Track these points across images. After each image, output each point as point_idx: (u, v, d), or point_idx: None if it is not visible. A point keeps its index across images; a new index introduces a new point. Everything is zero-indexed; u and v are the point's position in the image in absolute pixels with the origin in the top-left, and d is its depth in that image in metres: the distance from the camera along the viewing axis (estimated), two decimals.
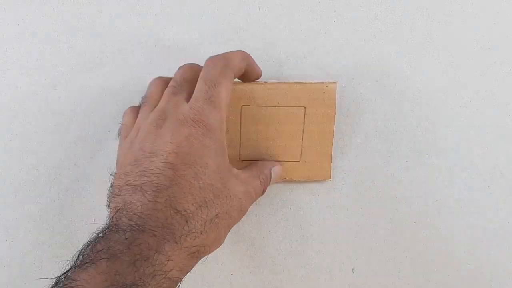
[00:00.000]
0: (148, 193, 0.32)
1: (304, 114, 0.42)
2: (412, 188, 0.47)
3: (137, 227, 0.31)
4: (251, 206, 0.48)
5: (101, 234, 0.32)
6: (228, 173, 0.35)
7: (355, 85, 0.48)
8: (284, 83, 0.42)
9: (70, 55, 0.49)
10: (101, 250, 0.30)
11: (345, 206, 0.47)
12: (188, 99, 0.37)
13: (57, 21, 0.49)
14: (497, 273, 0.47)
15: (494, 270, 0.47)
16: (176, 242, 0.31)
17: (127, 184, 0.34)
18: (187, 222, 0.32)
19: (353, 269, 0.49)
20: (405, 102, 0.48)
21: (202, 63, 0.49)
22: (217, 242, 0.35)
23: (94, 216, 0.47)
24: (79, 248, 0.32)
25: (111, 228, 0.32)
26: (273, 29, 0.49)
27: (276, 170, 0.42)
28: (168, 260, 0.31)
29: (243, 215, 0.38)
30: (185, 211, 0.33)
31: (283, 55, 0.48)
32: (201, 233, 0.33)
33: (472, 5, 0.49)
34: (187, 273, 0.33)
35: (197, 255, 0.33)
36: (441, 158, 0.47)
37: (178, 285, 0.32)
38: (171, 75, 0.49)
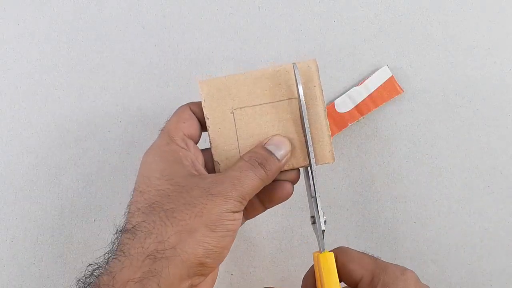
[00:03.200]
0: None
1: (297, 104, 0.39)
2: (412, 188, 0.47)
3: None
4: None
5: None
6: (183, 177, 0.35)
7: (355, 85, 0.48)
8: (266, 69, 0.39)
9: (70, 55, 0.49)
10: None
11: (345, 206, 0.47)
12: None
13: (57, 21, 0.49)
14: (497, 273, 0.47)
15: (494, 270, 0.47)
16: (124, 255, 0.32)
17: None
18: (131, 233, 0.33)
19: None
20: (405, 102, 0.48)
21: (202, 63, 0.49)
22: (190, 235, 0.33)
23: (94, 216, 0.47)
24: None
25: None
26: (273, 29, 0.49)
27: (273, 141, 0.38)
28: (114, 277, 0.31)
29: (224, 198, 0.34)
30: (129, 223, 0.34)
31: (283, 55, 0.48)
32: (150, 232, 0.33)
33: (472, 5, 0.49)
34: (161, 279, 0.32)
35: (160, 254, 0.32)
36: (441, 158, 0.47)
37: None
38: (170, 74, 0.49)
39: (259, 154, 0.37)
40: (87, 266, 0.33)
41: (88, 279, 0.32)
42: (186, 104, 0.39)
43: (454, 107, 0.48)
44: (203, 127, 0.39)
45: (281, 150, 0.37)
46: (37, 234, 0.47)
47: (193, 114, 0.39)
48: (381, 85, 0.47)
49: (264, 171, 0.36)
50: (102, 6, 0.49)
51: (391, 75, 0.47)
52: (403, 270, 0.36)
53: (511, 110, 0.48)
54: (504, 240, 0.47)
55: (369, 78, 0.47)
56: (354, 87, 0.47)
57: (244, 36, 0.49)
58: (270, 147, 0.37)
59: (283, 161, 0.37)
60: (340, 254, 0.37)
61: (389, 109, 0.48)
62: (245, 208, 0.39)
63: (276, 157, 0.37)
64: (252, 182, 0.35)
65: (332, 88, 0.48)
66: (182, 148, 0.37)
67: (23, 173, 0.48)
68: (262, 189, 0.38)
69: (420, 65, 0.48)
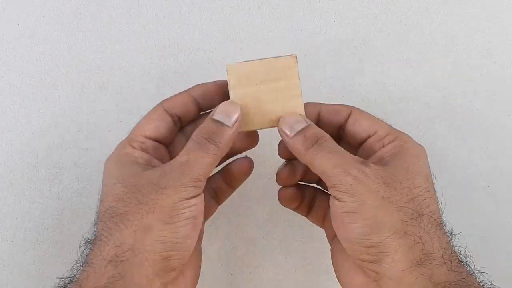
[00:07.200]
0: None
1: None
2: None
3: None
4: (251, 206, 0.48)
5: None
6: (135, 176, 0.35)
7: (355, 85, 0.48)
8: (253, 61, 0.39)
9: (70, 55, 0.49)
10: None
11: None
12: None
13: (57, 21, 0.49)
14: (497, 273, 0.46)
15: (494, 270, 0.46)
16: (88, 265, 0.32)
17: None
18: (93, 243, 0.34)
19: None
20: (405, 102, 0.48)
21: (202, 63, 0.49)
22: (145, 232, 0.32)
23: (94, 216, 0.47)
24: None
25: None
26: (273, 29, 0.49)
27: (221, 109, 0.36)
28: (80, 286, 0.32)
29: (174, 188, 0.33)
30: (92, 234, 0.35)
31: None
32: (107, 239, 0.32)
33: (472, 5, 0.49)
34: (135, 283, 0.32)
35: (120, 258, 0.32)
36: (441, 158, 0.47)
37: None
38: (170, 75, 0.49)
39: (205, 129, 0.35)
40: (57, 278, 0.33)
41: None
42: (160, 102, 0.38)
43: (454, 107, 0.48)
44: (180, 121, 0.38)
45: (231, 117, 0.35)
46: (37, 234, 0.47)
47: (165, 113, 0.37)
48: None
49: (215, 145, 0.34)
50: (102, 6, 0.49)
51: None
52: (419, 144, 0.37)
53: (511, 110, 0.48)
54: (504, 240, 0.47)
55: None
56: None
57: (244, 36, 0.49)
58: (218, 117, 0.35)
59: (235, 126, 0.35)
60: (354, 110, 0.37)
61: (389, 109, 0.48)
62: (214, 193, 0.39)
63: (226, 125, 0.35)
64: (203, 161, 0.33)
65: (331, 87, 0.48)
66: (137, 150, 0.36)
67: (23, 173, 0.47)
68: (223, 170, 0.38)
69: (420, 65, 0.48)
